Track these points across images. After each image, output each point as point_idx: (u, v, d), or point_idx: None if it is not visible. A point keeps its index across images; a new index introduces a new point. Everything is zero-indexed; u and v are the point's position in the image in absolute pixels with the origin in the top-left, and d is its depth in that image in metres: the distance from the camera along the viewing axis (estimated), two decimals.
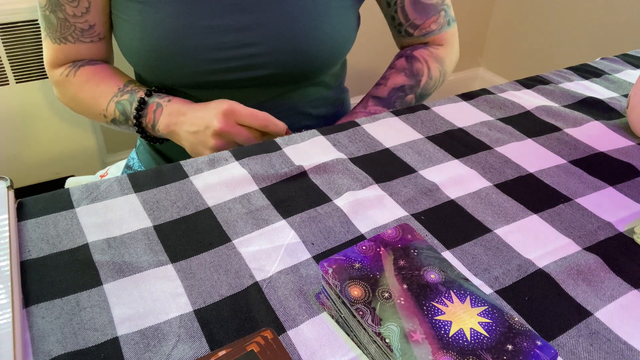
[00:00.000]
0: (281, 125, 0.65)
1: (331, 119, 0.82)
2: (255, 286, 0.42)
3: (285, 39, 0.67)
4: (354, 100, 1.95)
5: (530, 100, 0.72)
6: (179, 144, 0.68)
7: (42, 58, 1.24)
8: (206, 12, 0.65)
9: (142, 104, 0.68)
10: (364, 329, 0.35)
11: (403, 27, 0.80)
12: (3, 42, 1.20)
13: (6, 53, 1.21)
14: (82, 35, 0.70)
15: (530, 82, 0.77)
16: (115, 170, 0.91)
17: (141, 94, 0.69)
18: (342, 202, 0.51)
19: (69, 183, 0.85)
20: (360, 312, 0.35)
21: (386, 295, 0.36)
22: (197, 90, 0.71)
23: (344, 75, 0.85)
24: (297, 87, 0.74)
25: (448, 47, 0.83)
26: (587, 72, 0.82)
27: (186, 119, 0.66)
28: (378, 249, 0.40)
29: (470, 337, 0.34)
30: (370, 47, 1.90)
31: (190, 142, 0.66)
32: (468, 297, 0.36)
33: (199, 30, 0.65)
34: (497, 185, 0.54)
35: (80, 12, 0.68)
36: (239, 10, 0.66)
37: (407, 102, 0.78)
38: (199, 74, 0.68)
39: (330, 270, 0.38)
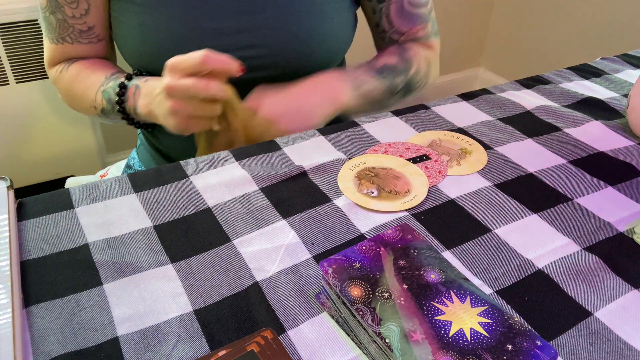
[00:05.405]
0: (226, 61, 0.56)
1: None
2: (255, 286, 0.42)
3: (285, 39, 0.67)
4: None
5: (530, 100, 0.72)
6: (159, 123, 0.64)
7: (42, 58, 1.24)
8: (206, 15, 0.65)
9: (122, 89, 0.66)
10: (364, 329, 0.35)
11: (387, 34, 0.78)
12: (3, 42, 1.20)
13: (6, 53, 1.21)
14: (80, 36, 0.70)
15: (530, 82, 0.77)
16: (116, 170, 0.91)
17: (122, 78, 0.67)
18: (342, 202, 0.51)
19: (69, 183, 0.85)
20: (360, 312, 0.35)
21: (386, 295, 0.36)
22: None
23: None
24: None
25: (435, 54, 0.81)
26: (587, 72, 0.82)
27: (155, 97, 0.61)
28: (378, 249, 0.40)
29: (470, 337, 0.34)
30: (369, 48, 1.90)
31: (160, 114, 0.61)
32: (468, 297, 0.36)
33: (200, 34, 0.65)
34: (497, 185, 0.54)
35: (80, 13, 0.68)
36: (239, 13, 0.66)
37: (394, 85, 0.75)
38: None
39: (330, 270, 0.38)
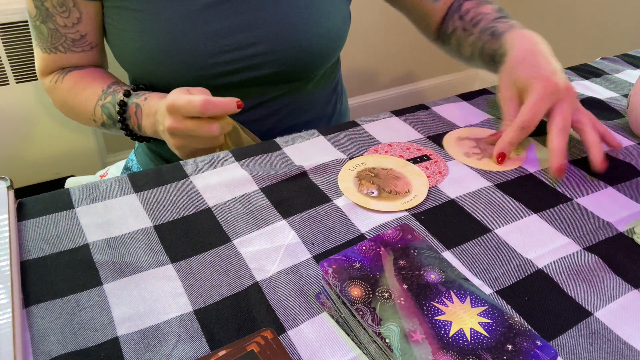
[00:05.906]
0: (225, 104, 0.57)
1: (329, 117, 0.82)
2: (255, 286, 0.42)
3: (285, 36, 0.67)
4: (352, 101, 1.96)
5: None
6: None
7: None
8: (205, 17, 0.65)
9: (122, 107, 0.66)
10: (364, 329, 0.35)
11: None
12: (3, 42, 1.20)
13: (6, 53, 1.21)
14: (73, 45, 0.70)
15: None
16: (115, 170, 0.91)
17: (120, 95, 0.67)
18: (342, 202, 0.51)
19: (69, 183, 0.85)
20: (360, 312, 0.35)
21: (386, 295, 0.36)
22: None
23: (339, 69, 0.85)
24: (296, 86, 0.74)
25: None
26: (587, 72, 0.82)
27: (158, 118, 0.62)
28: (378, 249, 0.40)
29: (470, 337, 0.34)
30: (367, 48, 1.91)
31: (166, 142, 0.63)
32: (468, 297, 0.36)
33: (199, 35, 0.65)
34: (497, 185, 0.54)
35: (72, 22, 0.67)
36: (238, 12, 0.66)
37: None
38: (200, 79, 0.67)
39: (330, 270, 0.38)
